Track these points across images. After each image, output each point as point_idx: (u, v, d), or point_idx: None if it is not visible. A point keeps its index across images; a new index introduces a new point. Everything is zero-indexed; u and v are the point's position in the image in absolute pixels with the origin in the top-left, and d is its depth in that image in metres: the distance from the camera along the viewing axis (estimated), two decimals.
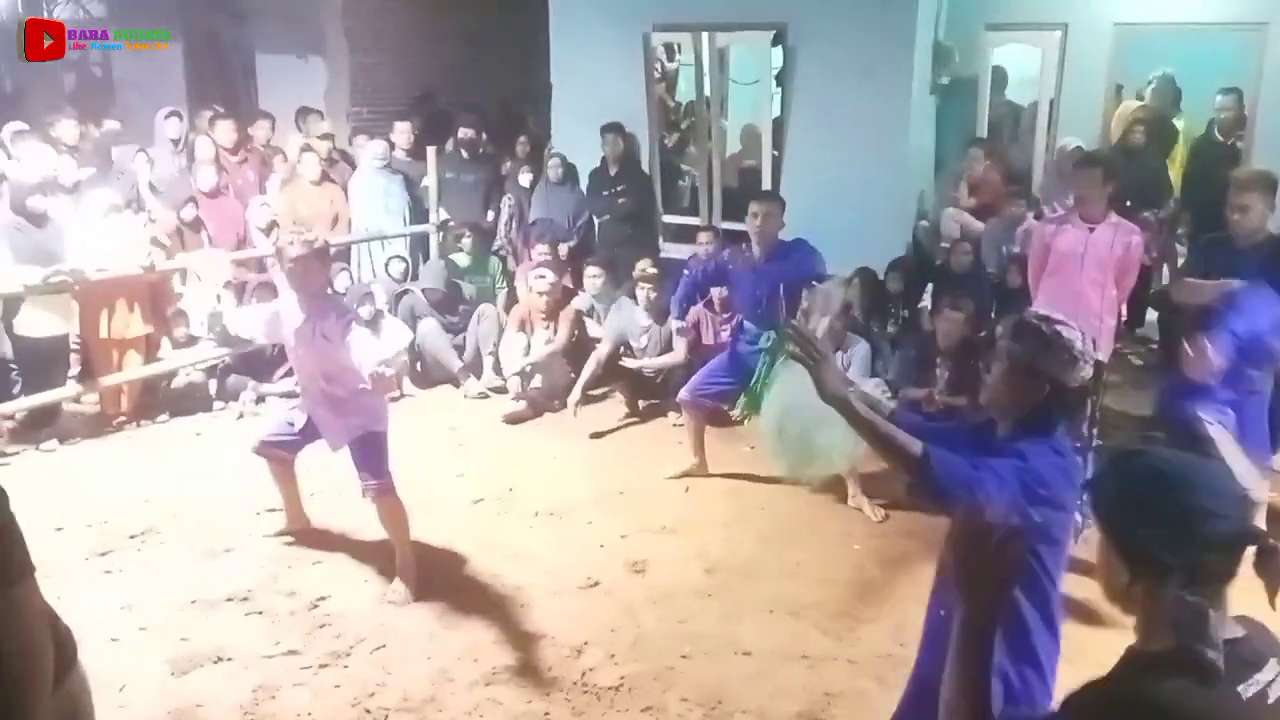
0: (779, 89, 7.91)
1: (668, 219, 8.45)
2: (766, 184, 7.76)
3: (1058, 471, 2.21)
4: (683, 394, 5.66)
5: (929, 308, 6.62)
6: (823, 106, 7.54)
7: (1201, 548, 1.46)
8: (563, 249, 7.66)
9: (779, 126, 7.86)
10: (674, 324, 6.07)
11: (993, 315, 6.59)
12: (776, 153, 7.85)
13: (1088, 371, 2.28)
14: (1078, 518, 2.32)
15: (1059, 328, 2.26)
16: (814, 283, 5.09)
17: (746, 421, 5.85)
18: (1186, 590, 1.45)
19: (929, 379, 5.85)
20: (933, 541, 4.97)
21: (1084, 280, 5.03)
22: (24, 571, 1.72)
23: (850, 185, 7.12)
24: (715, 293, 6.72)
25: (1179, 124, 8.13)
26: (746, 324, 5.43)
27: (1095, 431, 5.14)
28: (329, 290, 4.47)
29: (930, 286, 6.84)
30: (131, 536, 4.88)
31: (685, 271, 6.10)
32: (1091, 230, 5.02)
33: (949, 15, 7.58)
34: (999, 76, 8.40)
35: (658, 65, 8.55)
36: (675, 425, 6.50)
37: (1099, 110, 7.94)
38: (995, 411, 2.38)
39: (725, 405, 6.03)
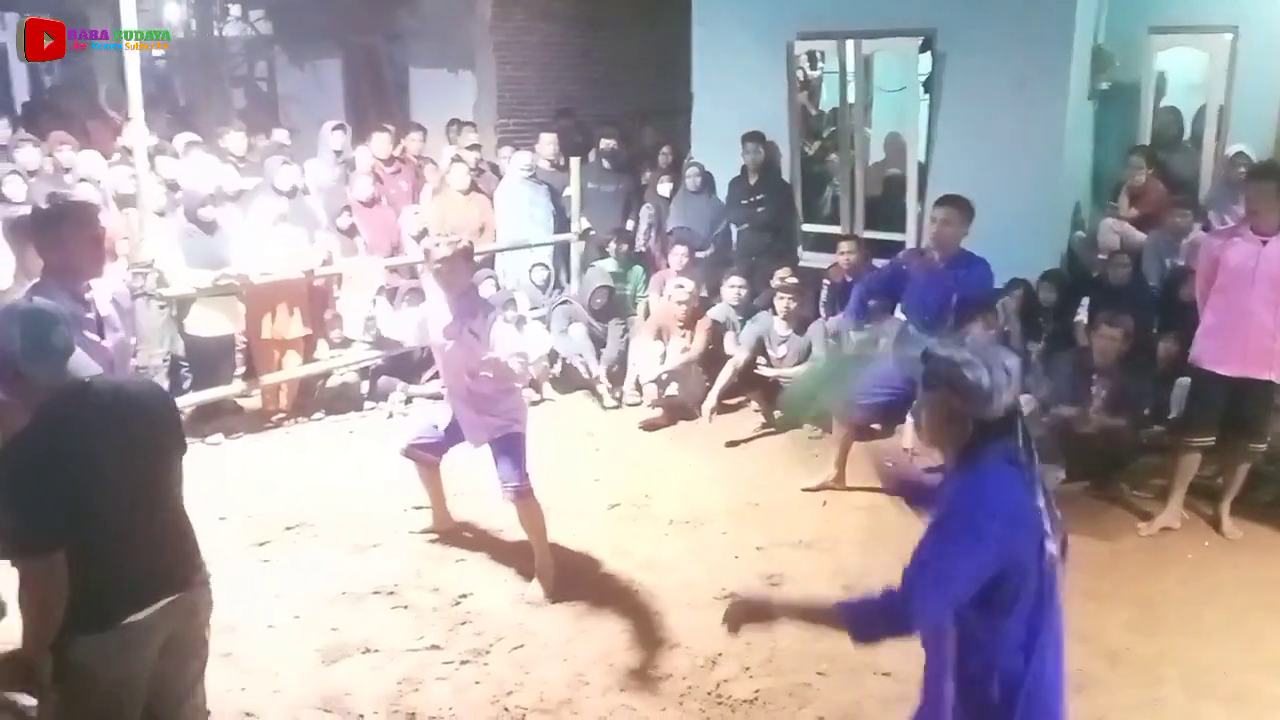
0: (926, 96, 7.73)
1: (808, 228, 8.36)
2: (913, 194, 7.59)
3: (1004, 493, 2.17)
4: None
5: (1084, 322, 6.34)
6: (972, 114, 7.34)
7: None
8: (700, 256, 7.65)
9: (926, 135, 7.68)
10: (853, 335, 5.76)
11: (1154, 331, 6.27)
12: (923, 161, 7.67)
13: (1008, 398, 2.21)
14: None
15: (962, 369, 2.20)
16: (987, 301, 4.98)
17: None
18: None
19: (1084, 396, 5.60)
20: (1084, 568, 4.76)
21: (1255, 297, 4.73)
22: None
23: (1001, 195, 6.87)
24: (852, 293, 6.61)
25: None
26: (912, 331, 5.24)
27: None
28: (474, 290, 4.60)
29: (1086, 300, 6.54)
30: (287, 528, 5.11)
31: (856, 283, 5.88)
32: (1265, 244, 4.72)
33: (1109, 18, 7.27)
34: (1162, 82, 7.98)
35: (800, 73, 8.48)
36: (811, 437, 6.43)
37: (1272, 117, 7.45)
38: (940, 452, 2.35)
39: (879, 417, 5.81)
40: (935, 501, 2.32)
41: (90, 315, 3.21)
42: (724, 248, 8.04)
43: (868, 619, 2.22)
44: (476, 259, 7.80)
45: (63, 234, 3.17)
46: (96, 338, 3.20)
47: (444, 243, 4.46)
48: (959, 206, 5.16)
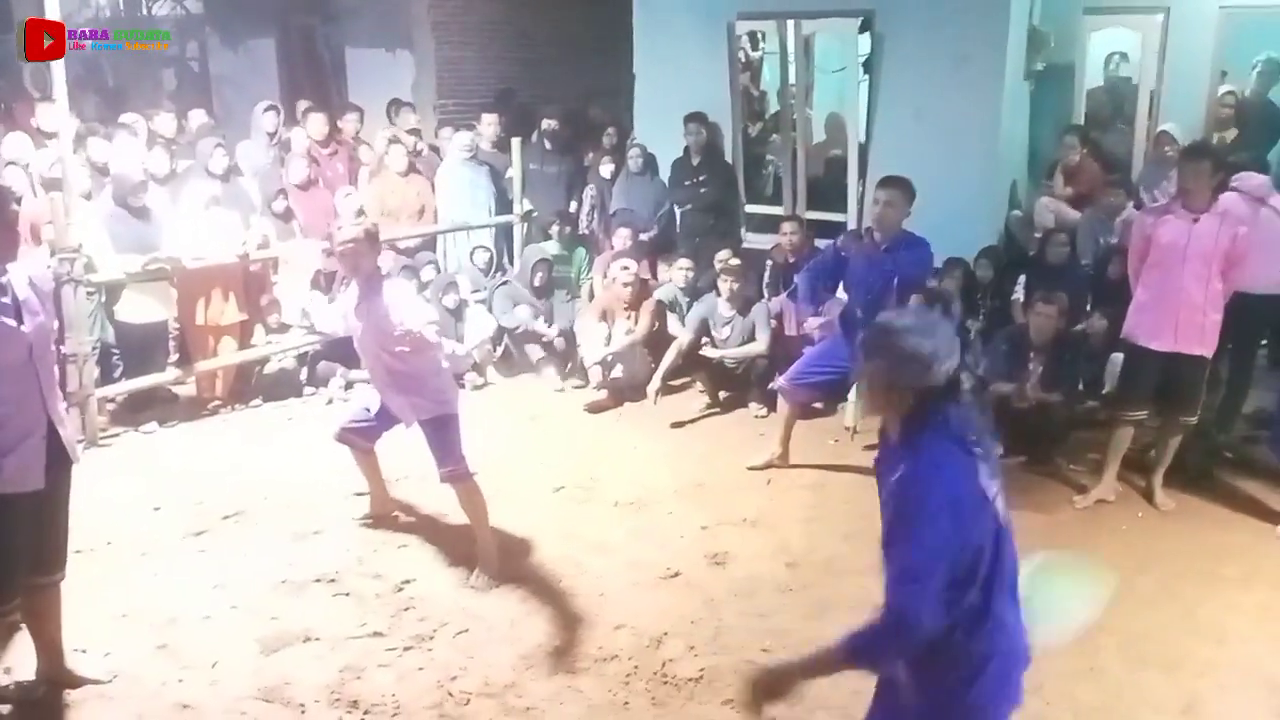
0: (866, 77, 7.77)
1: (751, 209, 8.36)
2: (854, 174, 7.63)
3: (954, 473, 2.15)
4: (781, 381, 5.59)
5: (1021, 300, 6.44)
6: (912, 94, 7.39)
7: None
8: (643, 238, 7.63)
9: (866, 115, 7.72)
10: (810, 321, 5.69)
11: (1088, 308, 6.39)
12: (863, 141, 7.71)
13: (950, 365, 2.19)
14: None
15: (900, 337, 2.19)
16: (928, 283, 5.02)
17: (857, 430, 5.75)
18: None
19: (1021, 373, 5.69)
20: (1022, 540, 4.84)
21: (1187, 274, 4.82)
22: None
23: (940, 175, 6.93)
24: (798, 280, 6.64)
25: None
26: (854, 311, 5.27)
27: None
28: (379, 273, 4.52)
29: (1023, 279, 6.64)
30: (225, 517, 5.01)
31: (804, 270, 5.89)
32: (1196, 221, 4.81)
33: None
34: (1096, 62, 8.12)
35: (742, 54, 8.46)
36: (756, 416, 6.46)
37: (1202, 96, 7.61)
38: (886, 424, 2.32)
39: (823, 396, 5.93)
40: (884, 480, 2.27)
41: (6, 300, 3.09)
42: (667, 229, 8.02)
43: (875, 647, 2.18)
44: (416, 241, 7.79)
45: None
46: (13, 323, 3.08)
47: (347, 225, 4.41)
48: (900, 188, 5.18)
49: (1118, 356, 5.55)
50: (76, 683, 3.60)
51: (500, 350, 7.33)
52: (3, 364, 3.09)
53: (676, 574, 4.49)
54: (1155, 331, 4.93)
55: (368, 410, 4.68)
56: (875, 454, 2.42)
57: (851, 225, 7.43)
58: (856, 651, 2.17)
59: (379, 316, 4.30)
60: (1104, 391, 5.96)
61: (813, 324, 5.48)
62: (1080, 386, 5.92)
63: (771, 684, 2.31)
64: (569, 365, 7.15)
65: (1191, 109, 7.47)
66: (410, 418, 4.47)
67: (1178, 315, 4.86)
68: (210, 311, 6.38)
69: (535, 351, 7.20)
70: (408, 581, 4.42)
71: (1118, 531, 4.98)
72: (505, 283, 7.42)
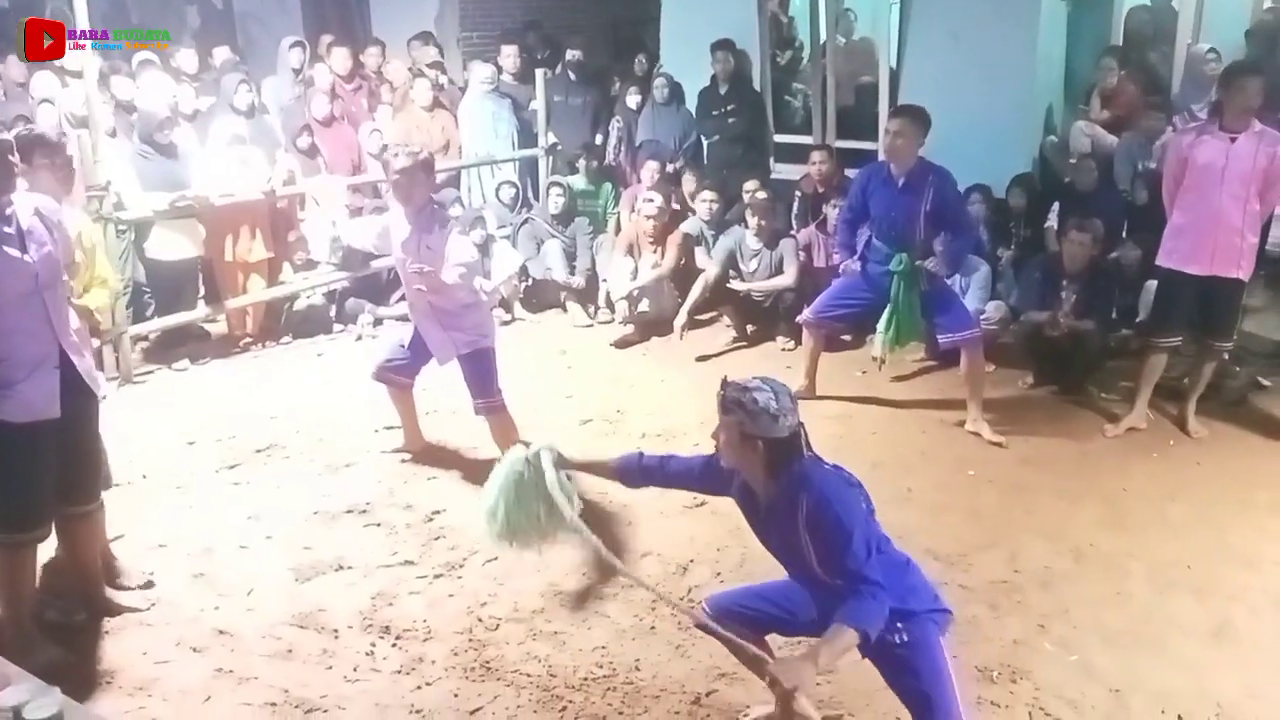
0: (897, 0, 7.57)
1: (779, 139, 8.24)
2: (885, 101, 7.47)
3: (840, 482, 2.63)
4: (806, 314, 5.55)
5: (1055, 228, 6.32)
6: (945, 17, 7.20)
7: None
8: (670, 170, 7.53)
9: (898, 40, 7.53)
10: (844, 264, 5.57)
11: (1124, 235, 6.26)
12: (894, 67, 7.54)
13: (793, 420, 2.58)
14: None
15: (753, 394, 2.57)
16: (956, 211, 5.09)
17: (885, 362, 5.71)
18: None
19: (1054, 302, 5.61)
20: (1052, 469, 4.83)
21: (1224, 194, 4.71)
22: None
23: (974, 101, 6.80)
24: (828, 210, 6.56)
25: None
26: (876, 243, 5.19)
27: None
28: (434, 204, 4.50)
29: (1057, 206, 6.51)
30: (258, 451, 5.08)
31: (839, 216, 5.72)
32: (1233, 141, 4.68)
33: None
34: None
35: None
36: (784, 350, 6.43)
37: (1245, 15, 7.35)
38: (746, 477, 2.71)
39: (848, 328, 5.96)
40: (776, 524, 2.68)
41: (10, 230, 3.11)
42: (695, 160, 7.92)
43: (875, 615, 2.50)
44: (441, 176, 7.74)
45: None
46: (16, 253, 3.10)
47: (403, 153, 4.36)
48: (911, 116, 5.03)
49: (1152, 284, 5.45)
50: (116, 610, 3.70)
51: (526, 285, 7.32)
52: (8, 295, 3.11)
53: (702, 503, 4.49)
54: (1192, 255, 4.83)
55: (402, 346, 4.70)
56: (748, 511, 2.80)
57: (883, 155, 7.30)
58: (866, 624, 2.48)
59: (428, 254, 4.28)
60: (1138, 320, 5.87)
61: (845, 266, 5.39)
62: (1114, 315, 5.84)
63: (795, 675, 2.50)
64: (591, 307, 7.12)
65: (1234, 28, 7.23)
66: (448, 355, 4.49)
67: (1215, 237, 4.75)
68: (238, 248, 6.40)
69: (562, 291, 7.17)
70: (438, 512, 4.48)
71: (1149, 459, 4.94)
72: (528, 220, 7.38)
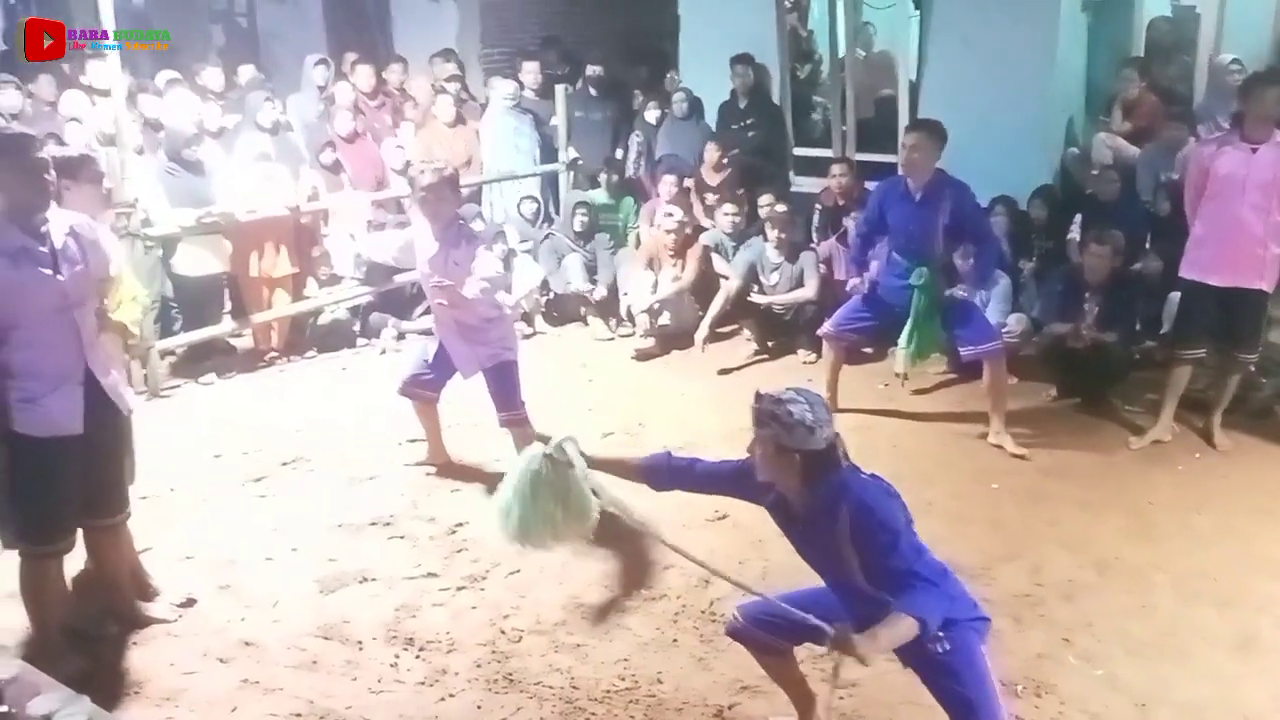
0: (917, 12, 7.58)
1: (799, 152, 8.25)
2: (904, 114, 7.48)
3: (880, 490, 2.60)
4: (826, 327, 5.56)
5: (1077, 239, 6.30)
6: (964, 29, 7.20)
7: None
8: (688, 183, 7.56)
9: (917, 53, 7.55)
10: (852, 281, 5.59)
11: (1147, 246, 6.23)
12: (914, 80, 7.55)
13: (829, 431, 2.55)
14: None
15: (788, 406, 2.54)
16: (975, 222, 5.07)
17: (907, 378, 5.71)
18: None
19: (1076, 313, 5.59)
20: (1075, 481, 4.81)
21: (1245, 205, 4.69)
22: None
23: (994, 112, 6.80)
24: (848, 223, 6.57)
25: None
26: (895, 257, 5.21)
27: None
28: (459, 220, 4.55)
29: (1079, 217, 6.49)
30: (283, 464, 5.13)
31: (854, 229, 5.77)
32: (1254, 151, 4.67)
33: None
34: None
35: None
36: (805, 363, 6.44)
37: (1267, 25, 7.31)
38: (782, 489, 2.66)
39: (869, 341, 5.95)
40: (818, 533, 2.62)
41: (43, 249, 3.16)
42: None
43: (931, 608, 2.47)
44: (463, 192, 7.79)
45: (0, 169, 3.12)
46: (48, 272, 3.15)
47: (429, 170, 4.40)
48: (927, 130, 5.06)
49: (1176, 295, 5.42)
50: (144, 621, 3.75)
51: (547, 299, 7.36)
52: (37, 312, 3.16)
53: (724, 516, 4.51)
54: (1213, 266, 4.81)
55: (426, 362, 4.74)
56: (784, 521, 2.75)
57: (900, 169, 7.31)
58: (925, 612, 2.44)
59: (455, 269, 4.32)
60: (1161, 331, 5.84)
61: (853, 284, 5.42)
62: (1137, 326, 5.81)
63: (860, 644, 2.45)
64: (612, 320, 7.15)
65: (1257, 39, 7.19)
66: (472, 368, 4.52)
67: (1237, 248, 4.73)
68: (263, 264, 6.48)
69: (582, 303, 7.21)
70: (460, 524, 4.51)
71: (1174, 472, 4.91)
72: (549, 235, 7.43)
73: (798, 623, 2.73)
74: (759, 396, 2.61)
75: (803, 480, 2.58)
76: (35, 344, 3.17)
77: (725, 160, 7.39)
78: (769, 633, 2.86)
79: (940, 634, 2.55)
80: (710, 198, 6.79)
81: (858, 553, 2.56)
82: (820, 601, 2.75)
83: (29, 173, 3.11)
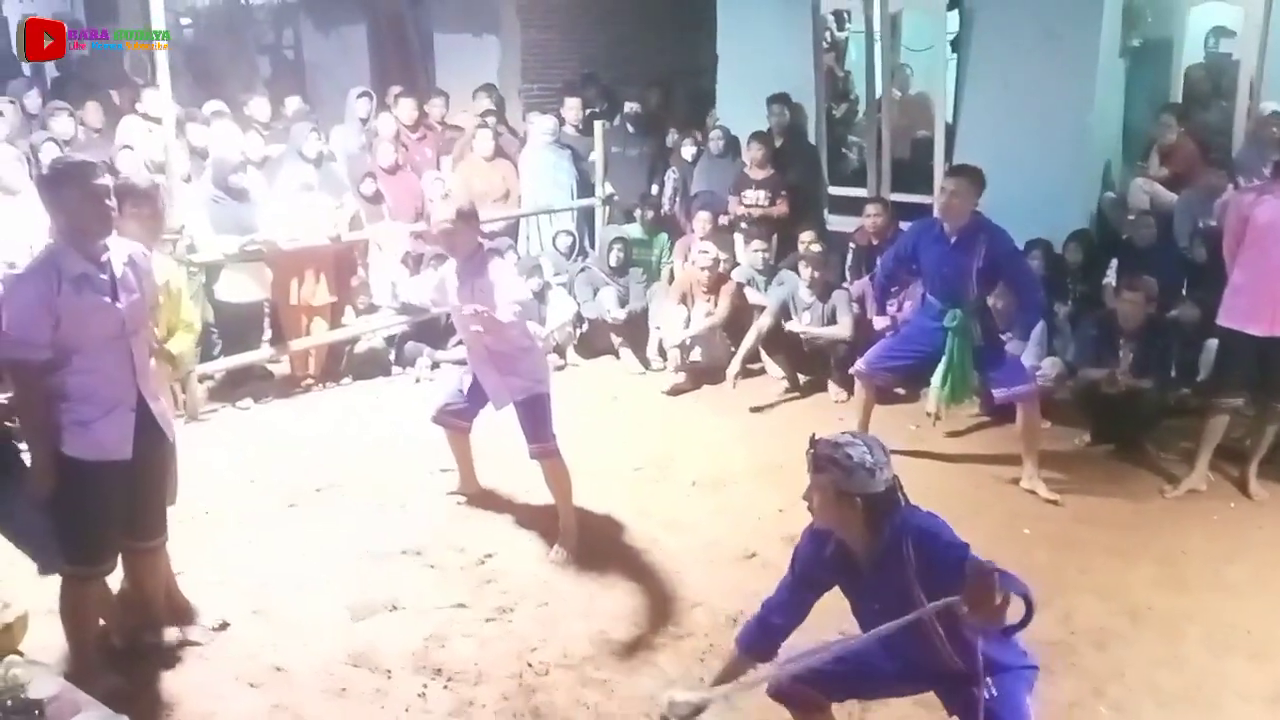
0: (954, 55, 7.63)
1: (834, 191, 8.29)
2: (940, 156, 7.51)
3: (934, 517, 2.59)
4: (859, 365, 5.56)
5: (1113, 284, 6.28)
6: (1002, 73, 7.23)
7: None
8: (723, 220, 7.61)
9: (954, 95, 7.59)
10: (878, 320, 5.59)
11: (1184, 293, 6.20)
12: (950, 122, 7.58)
13: (889, 473, 2.52)
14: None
15: (847, 449, 2.51)
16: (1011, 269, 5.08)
17: (939, 417, 5.69)
18: None
19: (1110, 359, 5.56)
20: (1107, 528, 4.76)
21: None
22: None
23: (1030, 156, 6.81)
24: (875, 276, 6.58)
25: None
26: (929, 299, 5.24)
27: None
28: (482, 250, 4.59)
29: (1115, 262, 6.47)
30: (317, 490, 5.19)
31: (879, 266, 5.81)
32: None
33: None
34: (1196, 38, 7.84)
35: (827, 34, 8.38)
36: (836, 401, 6.44)
37: None
38: (842, 536, 2.62)
39: (901, 381, 5.95)
40: (883, 583, 2.57)
41: (104, 277, 3.24)
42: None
43: (1015, 584, 2.35)
44: (499, 225, 7.89)
45: (63, 195, 3.19)
46: (108, 300, 3.24)
47: (441, 208, 4.48)
48: (967, 176, 5.08)
49: (1213, 343, 5.39)
50: (179, 643, 3.79)
51: (580, 332, 7.42)
52: (95, 338, 3.23)
53: (753, 555, 4.51)
54: (1252, 314, 4.78)
55: (460, 392, 4.79)
56: (848, 577, 2.70)
57: (937, 212, 7.33)
58: (1011, 583, 2.31)
59: (483, 297, 4.38)
60: (1198, 379, 5.79)
61: (879, 324, 5.43)
62: (1173, 373, 5.77)
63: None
64: (642, 355, 7.19)
65: None
66: (504, 400, 4.55)
67: (1275, 297, 4.71)
68: (303, 292, 6.58)
69: (615, 336, 7.26)
70: (490, 555, 4.54)
71: (1208, 521, 4.86)
72: (585, 269, 7.50)
73: (839, 676, 2.68)
74: (814, 441, 2.56)
75: (866, 525, 2.53)
76: (92, 369, 3.24)
77: (714, 226, 7.39)
78: (814, 687, 2.78)
79: (988, 679, 2.51)
80: (705, 259, 6.79)
81: (927, 588, 2.45)
82: (860, 653, 2.68)
83: (92, 199, 3.18)
